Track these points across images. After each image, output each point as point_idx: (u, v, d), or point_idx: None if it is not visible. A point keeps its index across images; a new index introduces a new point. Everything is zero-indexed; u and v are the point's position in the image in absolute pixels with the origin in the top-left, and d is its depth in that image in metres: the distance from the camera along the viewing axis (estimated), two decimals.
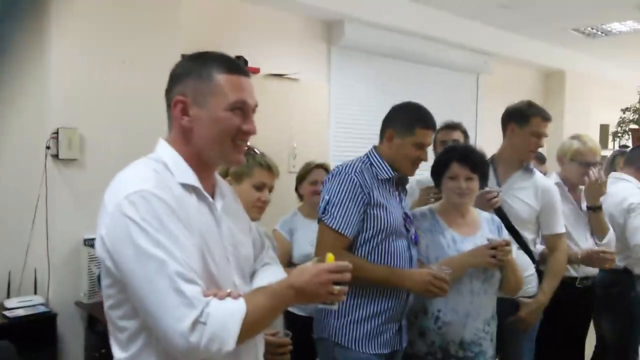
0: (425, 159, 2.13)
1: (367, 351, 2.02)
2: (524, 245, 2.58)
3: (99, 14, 3.21)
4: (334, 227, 1.98)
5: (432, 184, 2.92)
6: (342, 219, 1.98)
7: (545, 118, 2.60)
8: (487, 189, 2.53)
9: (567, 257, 2.67)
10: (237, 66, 1.32)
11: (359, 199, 2.00)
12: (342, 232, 1.97)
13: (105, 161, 3.21)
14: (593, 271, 2.89)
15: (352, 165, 2.08)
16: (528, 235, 2.60)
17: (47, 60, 3.10)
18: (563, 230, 2.65)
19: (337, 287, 1.29)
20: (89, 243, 3.13)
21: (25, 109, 3.22)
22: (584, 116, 7.06)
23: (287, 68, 4.08)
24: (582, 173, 2.85)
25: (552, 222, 2.61)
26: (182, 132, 1.29)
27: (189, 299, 1.12)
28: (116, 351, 1.27)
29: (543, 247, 2.75)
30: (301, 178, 3.07)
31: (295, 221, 2.98)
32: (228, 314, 1.15)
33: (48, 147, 3.04)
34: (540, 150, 2.83)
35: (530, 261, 2.60)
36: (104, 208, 1.21)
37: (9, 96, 3.23)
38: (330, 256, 1.34)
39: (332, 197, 2.01)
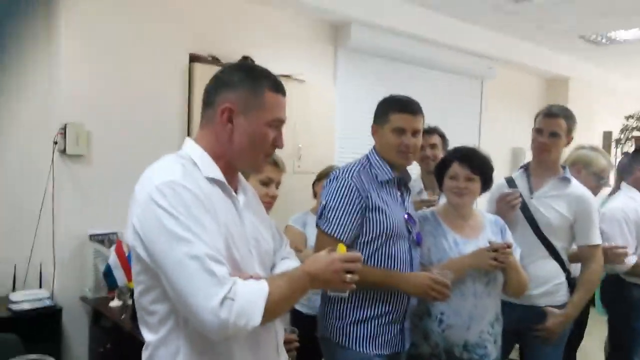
0: (410, 144, 2.05)
1: (368, 352, 2.02)
2: (554, 253, 2.56)
3: (107, 11, 3.25)
4: (329, 232, 1.99)
5: (422, 187, 3.00)
6: (338, 224, 1.99)
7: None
8: (506, 191, 2.56)
9: (602, 269, 2.60)
10: (282, 86, 1.45)
11: (356, 204, 1.99)
12: (338, 237, 1.97)
13: (111, 158, 3.24)
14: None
15: (350, 169, 2.08)
16: (557, 243, 2.56)
17: (56, 56, 3.13)
18: (599, 242, 2.57)
19: (349, 276, 1.39)
20: (95, 239, 3.16)
21: (33, 102, 3.24)
22: (586, 123, 7.03)
23: (293, 69, 4.09)
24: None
25: (587, 233, 2.54)
26: (220, 135, 1.39)
27: (218, 278, 1.19)
28: (146, 334, 1.36)
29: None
30: (320, 177, 3.15)
31: (307, 217, 3.04)
32: (253, 292, 1.24)
33: (55, 142, 3.07)
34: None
35: (560, 269, 2.57)
36: (134, 200, 1.29)
37: (16, 88, 3.24)
38: (341, 246, 1.45)
39: (328, 201, 2.02)
